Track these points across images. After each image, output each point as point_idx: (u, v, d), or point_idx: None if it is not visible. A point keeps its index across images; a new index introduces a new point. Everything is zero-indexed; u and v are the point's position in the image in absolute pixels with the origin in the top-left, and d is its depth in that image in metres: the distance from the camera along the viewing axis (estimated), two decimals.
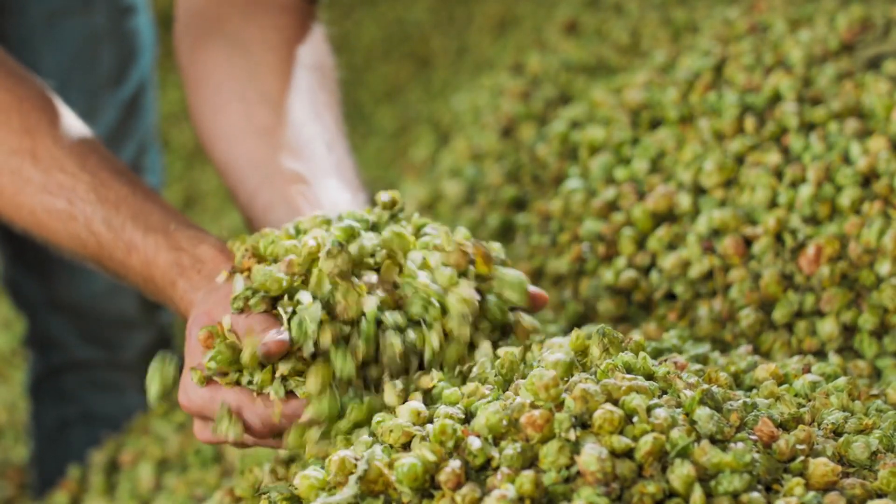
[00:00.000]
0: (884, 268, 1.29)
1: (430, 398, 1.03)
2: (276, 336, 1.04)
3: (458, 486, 0.92)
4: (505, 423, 0.95)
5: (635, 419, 0.94)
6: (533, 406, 0.96)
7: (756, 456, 0.94)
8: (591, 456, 0.91)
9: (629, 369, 1.03)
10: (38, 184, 1.21)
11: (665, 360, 1.08)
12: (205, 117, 1.38)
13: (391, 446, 0.97)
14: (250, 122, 1.33)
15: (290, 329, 1.05)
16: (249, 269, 1.09)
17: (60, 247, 1.24)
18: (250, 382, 1.05)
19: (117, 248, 1.19)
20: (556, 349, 1.04)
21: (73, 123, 1.26)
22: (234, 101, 1.35)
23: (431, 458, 0.93)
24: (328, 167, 1.30)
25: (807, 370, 1.16)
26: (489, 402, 0.99)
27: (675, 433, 0.93)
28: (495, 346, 1.08)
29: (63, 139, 1.22)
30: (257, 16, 1.40)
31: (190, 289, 1.14)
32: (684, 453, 0.93)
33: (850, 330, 1.30)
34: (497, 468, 0.93)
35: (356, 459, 0.96)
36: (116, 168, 1.23)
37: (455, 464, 0.92)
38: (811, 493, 0.93)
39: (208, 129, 1.37)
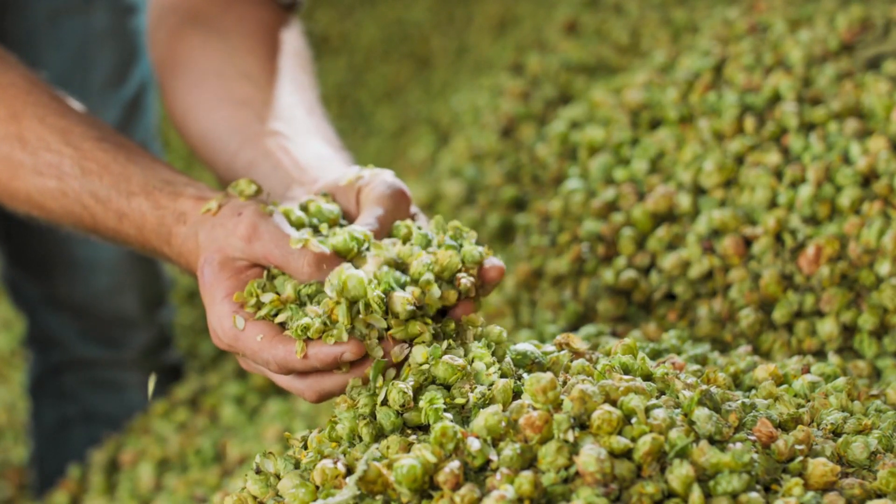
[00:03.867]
0: (883, 268, 1.29)
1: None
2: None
3: (456, 486, 0.92)
4: (504, 424, 0.95)
5: (634, 420, 0.94)
6: (532, 407, 0.96)
7: (755, 456, 0.94)
8: (590, 456, 0.91)
9: (627, 370, 1.03)
10: (28, 166, 1.22)
11: (663, 361, 1.08)
12: (179, 93, 1.37)
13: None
14: (229, 93, 1.34)
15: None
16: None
17: (61, 225, 1.25)
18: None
19: (108, 217, 1.20)
20: None
21: (58, 101, 1.26)
22: (211, 76, 1.35)
23: (431, 459, 0.93)
24: (309, 127, 1.30)
25: (806, 370, 1.16)
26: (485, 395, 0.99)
27: (674, 434, 0.93)
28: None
29: (48, 118, 1.23)
30: (235, 7, 1.40)
31: (182, 241, 1.15)
32: (683, 454, 0.93)
33: (849, 330, 1.30)
34: (496, 469, 0.93)
35: (334, 462, 0.96)
36: (100, 136, 1.23)
37: (454, 464, 0.92)
38: (810, 494, 0.93)
39: (184, 104, 1.37)
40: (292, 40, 1.42)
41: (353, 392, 1.05)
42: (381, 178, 1.16)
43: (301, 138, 1.28)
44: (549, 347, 1.09)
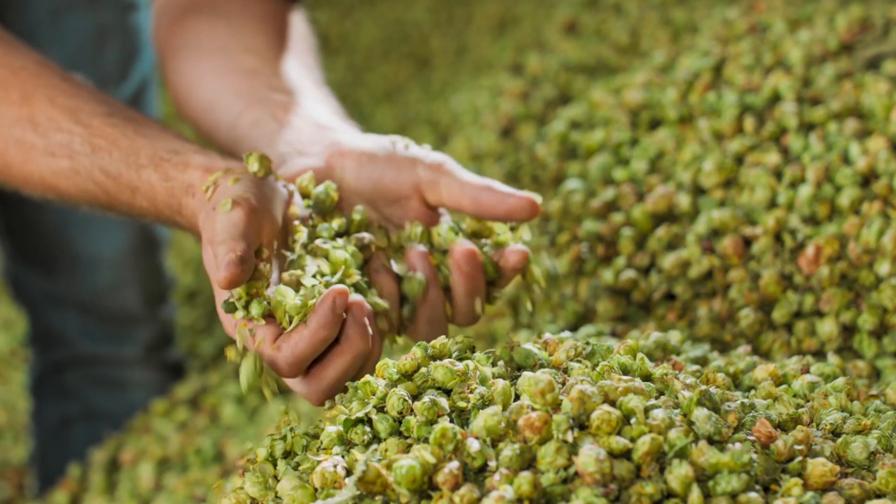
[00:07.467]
0: (883, 268, 1.29)
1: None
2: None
3: (456, 486, 0.92)
4: (503, 425, 0.95)
5: (633, 420, 0.94)
6: (531, 408, 0.96)
7: (754, 456, 0.94)
8: (589, 457, 0.91)
9: (626, 370, 1.03)
10: (41, 148, 1.23)
11: (662, 361, 1.08)
12: (183, 69, 1.37)
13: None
14: (235, 65, 1.34)
15: None
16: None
17: (77, 205, 1.26)
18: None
19: (121, 192, 1.20)
20: None
21: (68, 82, 1.27)
22: (218, 51, 1.36)
23: (430, 459, 0.93)
24: (317, 96, 1.30)
25: (805, 371, 1.16)
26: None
27: (673, 434, 0.93)
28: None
29: (58, 99, 1.23)
30: None
31: (192, 213, 1.15)
32: (682, 454, 0.93)
33: (849, 330, 1.30)
34: (495, 469, 0.93)
35: (334, 466, 0.96)
36: (108, 111, 1.23)
37: (453, 465, 0.92)
38: (809, 494, 0.93)
39: (188, 78, 1.36)
40: (298, 25, 1.43)
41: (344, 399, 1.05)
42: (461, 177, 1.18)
43: (311, 104, 1.27)
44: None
